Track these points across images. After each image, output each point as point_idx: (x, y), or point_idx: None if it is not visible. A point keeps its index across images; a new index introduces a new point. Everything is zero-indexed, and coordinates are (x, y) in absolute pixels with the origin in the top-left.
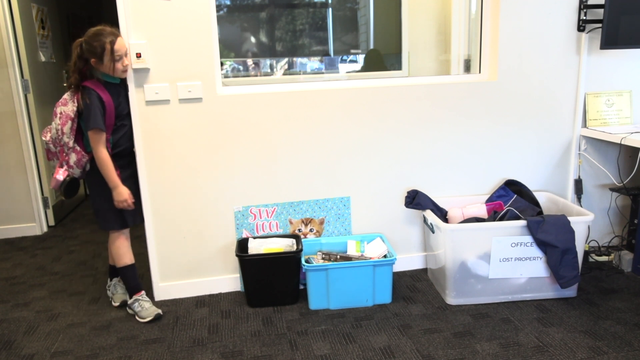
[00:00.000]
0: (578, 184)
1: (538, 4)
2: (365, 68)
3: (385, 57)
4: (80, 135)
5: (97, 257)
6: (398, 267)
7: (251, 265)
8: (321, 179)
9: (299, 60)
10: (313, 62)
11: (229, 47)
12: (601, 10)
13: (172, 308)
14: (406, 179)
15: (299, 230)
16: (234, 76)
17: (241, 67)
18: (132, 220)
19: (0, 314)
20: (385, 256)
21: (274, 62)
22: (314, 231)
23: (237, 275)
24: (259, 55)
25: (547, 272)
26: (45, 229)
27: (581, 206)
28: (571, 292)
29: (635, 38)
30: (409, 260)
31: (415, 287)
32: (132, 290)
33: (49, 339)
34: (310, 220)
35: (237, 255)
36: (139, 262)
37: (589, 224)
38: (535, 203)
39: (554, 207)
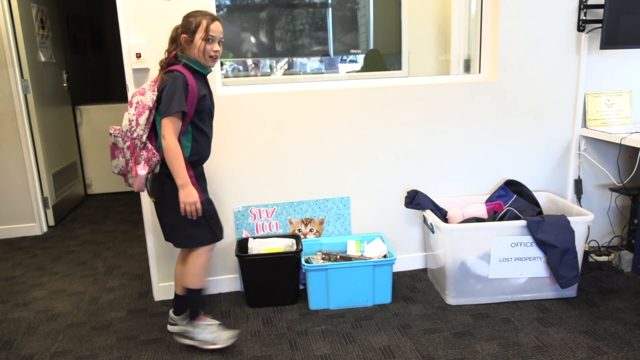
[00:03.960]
0: (578, 184)
1: (538, 4)
2: (365, 68)
3: (385, 57)
4: (155, 133)
5: (97, 257)
6: (398, 267)
7: (251, 266)
8: (321, 179)
9: (298, 60)
10: (313, 62)
11: (229, 47)
12: (601, 10)
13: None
14: (406, 179)
15: (299, 230)
16: (234, 76)
17: (241, 67)
18: (221, 232)
19: (0, 314)
20: (385, 256)
21: (274, 62)
22: (314, 231)
23: (237, 276)
24: (258, 55)
25: (547, 272)
26: (45, 229)
27: (581, 206)
28: (571, 292)
29: (635, 38)
30: (408, 260)
31: (415, 287)
32: (193, 315)
33: (49, 339)
34: (310, 220)
35: (237, 255)
36: (138, 262)
37: (589, 224)
38: (535, 203)
39: (553, 207)
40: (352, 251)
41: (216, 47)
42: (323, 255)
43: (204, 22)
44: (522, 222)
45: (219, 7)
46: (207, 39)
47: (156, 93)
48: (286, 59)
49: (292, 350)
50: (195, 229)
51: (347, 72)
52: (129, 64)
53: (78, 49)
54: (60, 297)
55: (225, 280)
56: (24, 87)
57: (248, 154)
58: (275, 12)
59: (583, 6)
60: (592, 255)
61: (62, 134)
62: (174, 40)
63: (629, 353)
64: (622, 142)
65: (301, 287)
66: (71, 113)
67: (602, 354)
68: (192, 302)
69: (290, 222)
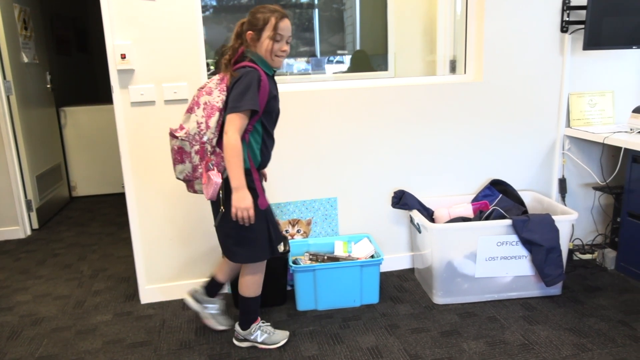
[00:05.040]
0: (562, 183)
1: (522, 5)
2: (352, 69)
3: (371, 58)
4: (215, 133)
5: (83, 260)
6: (385, 267)
7: None
8: (308, 180)
9: (285, 61)
10: (300, 63)
11: (216, 48)
12: (584, 12)
13: (159, 311)
14: (393, 179)
15: (286, 231)
16: None
17: None
18: (281, 246)
19: None
20: (372, 256)
21: None
22: (301, 232)
23: None
24: None
25: (532, 271)
26: (29, 232)
27: (565, 205)
28: (556, 290)
29: (617, 39)
30: (396, 261)
31: (403, 287)
32: (251, 321)
33: (33, 343)
34: (298, 221)
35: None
36: (125, 264)
37: (573, 222)
38: (521, 202)
39: (538, 206)
40: (339, 252)
41: (284, 46)
42: (310, 256)
43: (272, 20)
44: (508, 222)
45: (204, 8)
46: (275, 37)
47: (225, 93)
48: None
49: (280, 351)
50: (262, 241)
51: (333, 73)
52: (114, 65)
53: (62, 49)
54: (45, 301)
55: None
56: (7, 88)
57: None
58: None
59: (566, 7)
60: (577, 253)
61: (46, 136)
62: (239, 35)
63: (612, 349)
64: (605, 142)
65: (289, 288)
66: (55, 115)
67: (586, 351)
68: (250, 309)
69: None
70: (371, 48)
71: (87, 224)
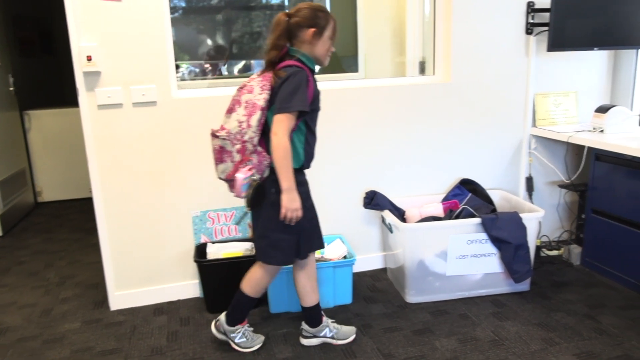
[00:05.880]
0: (529, 181)
1: (488, 7)
2: (322, 70)
3: (341, 60)
4: (265, 135)
5: (49, 267)
6: (358, 268)
7: (210, 271)
8: None
9: (256, 62)
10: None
11: (185, 50)
12: (547, 14)
13: (129, 317)
14: (364, 180)
15: None
16: (191, 79)
17: (198, 70)
18: (309, 248)
19: None
20: (345, 257)
21: (232, 64)
22: None
23: (196, 281)
24: (215, 57)
25: (501, 268)
26: None
27: (532, 203)
28: (524, 286)
29: (580, 41)
30: (368, 261)
31: (376, 287)
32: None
33: None
34: None
35: (195, 261)
36: (93, 271)
37: (540, 219)
38: (489, 201)
39: (506, 205)
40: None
41: (332, 48)
42: None
43: (332, 21)
44: (477, 220)
45: (174, 9)
46: (333, 38)
47: (267, 92)
48: (244, 62)
49: (254, 354)
50: (292, 242)
51: None
52: (79, 67)
53: (26, 51)
54: (10, 310)
55: (184, 287)
56: None
57: (205, 158)
58: (231, 14)
59: (531, 10)
60: (544, 250)
61: (9, 140)
62: (288, 32)
63: (579, 342)
64: (569, 141)
65: None
66: (19, 118)
67: (554, 345)
68: (242, 306)
69: (250, 226)
70: (341, 49)
71: (54, 230)
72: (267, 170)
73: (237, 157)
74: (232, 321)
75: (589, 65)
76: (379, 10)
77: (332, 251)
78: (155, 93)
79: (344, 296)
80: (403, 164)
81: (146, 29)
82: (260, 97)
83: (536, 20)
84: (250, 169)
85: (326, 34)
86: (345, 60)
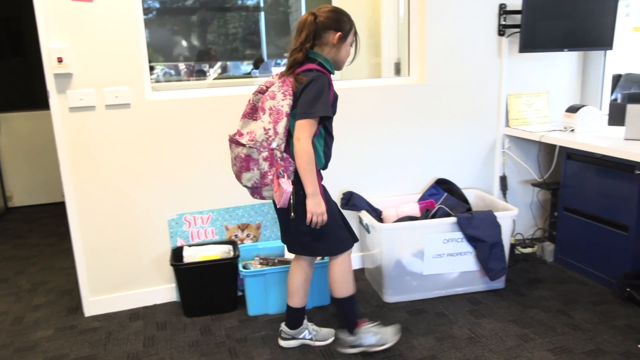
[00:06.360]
0: (503, 180)
1: (462, 9)
2: None
3: None
4: (288, 141)
5: (21, 273)
6: None
7: (187, 274)
8: None
9: (232, 64)
10: (247, 66)
11: (160, 51)
12: (519, 16)
13: (104, 323)
14: (341, 181)
15: (236, 236)
16: (166, 81)
17: (173, 72)
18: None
19: None
20: (322, 258)
21: (207, 66)
22: (251, 236)
23: (173, 285)
24: (191, 59)
25: (477, 266)
26: None
27: (506, 201)
28: (500, 283)
29: (550, 42)
30: None
31: None
32: (354, 324)
33: None
34: (247, 225)
35: (171, 265)
36: (67, 276)
37: (514, 218)
38: (465, 200)
39: (481, 204)
40: (290, 255)
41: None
42: (261, 260)
43: (354, 27)
44: (453, 219)
45: (148, 10)
46: (353, 44)
47: (290, 97)
48: (219, 63)
49: (232, 358)
50: (342, 231)
51: None
52: (50, 69)
53: None
54: None
55: (161, 291)
56: None
57: (180, 160)
58: (207, 15)
59: (503, 12)
60: (518, 247)
61: None
62: (315, 34)
63: (553, 338)
64: (541, 140)
65: (240, 293)
66: None
67: (529, 341)
68: (349, 311)
69: (227, 228)
70: None
71: (26, 236)
72: (292, 175)
73: (264, 165)
74: (351, 328)
75: (560, 66)
76: (353, 11)
77: None
78: (129, 95)
79: (322, 297)
80: (379, 164)
81: (119, 30)
82: (283, 102)
83: (508, 22)
84: (289, 179)
85: (349, 39)
86: None
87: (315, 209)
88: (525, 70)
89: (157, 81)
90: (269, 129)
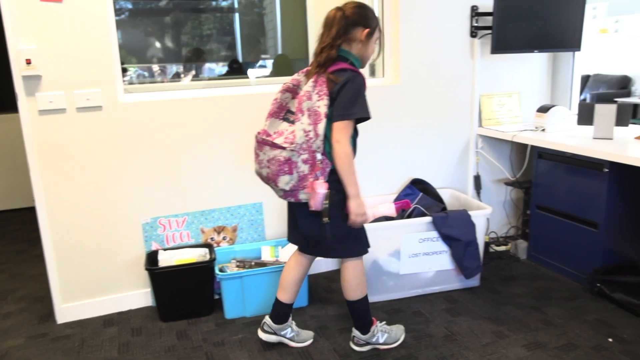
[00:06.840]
0: (477, 179)
1: (434, 10)
2: (275, 73)
3: (293, 62)
4: (323, 140)
5: None
6: (313, 270)
7: (162, 279)
8: (232, 186)
9: (207, 65)
10: (222, 68)
11: (133, 53)
12: (490, 18)
13: (77, 330)
14: None
15: (212, 239)
16: (140, 83)
17: (147, 74)
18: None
19: None
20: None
21: (181, 67)
22: (227, 239)
23: (148, 290)
24: (165, 60)
25: (452, 265)
26: None
27: (480, 200)
28: (475, 281)
29: (521, 43)
30: (323, 262)
31: (331, 288)
32: (369, 324)
33: None
34: (223, 228)
35: (146, 269)
36: (38, 283)
37: (488, 216)
38: (440, 200)
39: (456, 203)
40: (266, 257)
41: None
42: (237, 263)
43: (379, 23)
44: (428, 219)
45: (120, 11)
46: (376, 42)
47: (326, 97)
48: (193, 65)
49: None
50: (362, 232)
51: (257, 78)
52: (18, 71)
53: None
54: None
55: (136, 296)
56: None
57: (154, 163)
58: (181, 16)
59: (475, 14)
60: (492, 245)
61: None
62: (345, 30)
63: (527, 334)
64: (513, 140)
65: (216, 296)
66: None
67: (504, 337)
68: (364, 311)
69: (203, 231)
70: (293, 52)
71: None
72: (327, 176)
73: (305, 168)
74: (365, 328)
75: (530, 67)
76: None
77: (287, 254)
78: (100, 97)
79: (300, 299)
80: (356, 165)
81: (90, 31)
82: (320, 103)
83: (480, 24)
84: (326, 182)
85: (375, 35)
86: (296, 63)
87: (357, 210)
88: (497, 71)
89: (131, 83)
90: (310, 130)
